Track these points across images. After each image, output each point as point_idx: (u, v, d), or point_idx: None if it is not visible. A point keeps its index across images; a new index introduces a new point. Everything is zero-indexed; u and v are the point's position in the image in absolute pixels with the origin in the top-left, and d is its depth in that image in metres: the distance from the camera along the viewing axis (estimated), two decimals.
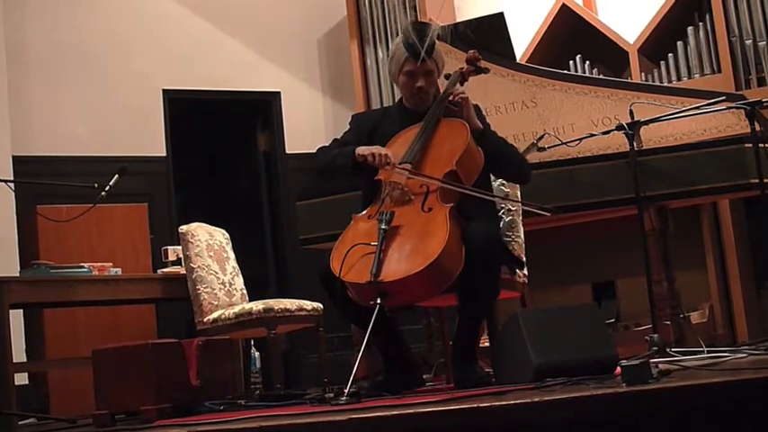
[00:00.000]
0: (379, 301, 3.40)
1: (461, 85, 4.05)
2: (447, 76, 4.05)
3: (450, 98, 3.91)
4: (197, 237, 5.14)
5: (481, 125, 3.91)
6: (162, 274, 5.62)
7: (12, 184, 5.70)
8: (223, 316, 4.91)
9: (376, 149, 3.78)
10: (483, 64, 4.13)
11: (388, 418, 2.67)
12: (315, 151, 4.06)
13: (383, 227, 3.55)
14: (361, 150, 3.80)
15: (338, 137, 4.16)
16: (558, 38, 7.20)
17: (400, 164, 3.76)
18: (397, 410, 2.71)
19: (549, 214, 3.74)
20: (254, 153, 8.34)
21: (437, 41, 3.95)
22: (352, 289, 3.56)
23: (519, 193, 4.32)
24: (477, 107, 4.05)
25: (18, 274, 5.58)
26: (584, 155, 5.59)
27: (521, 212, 4.28)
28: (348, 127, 4.16)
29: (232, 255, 5.33)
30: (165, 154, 7.58)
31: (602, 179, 5.13)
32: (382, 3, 7.77)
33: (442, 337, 4.69)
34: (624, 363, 2.77)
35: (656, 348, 4.14)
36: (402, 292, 3.46)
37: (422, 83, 3.92)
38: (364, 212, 3.80)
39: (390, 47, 4.33)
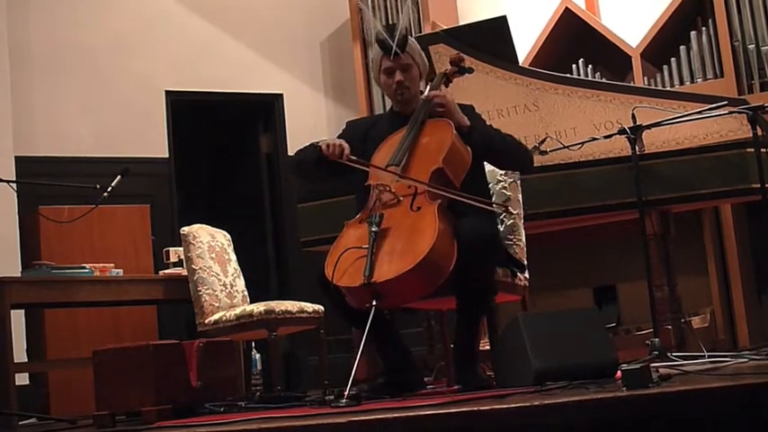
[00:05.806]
0: (374, 303, 3.40)
1: (446, 86, 4.09)
2: (432, 79, 4.06)
3: (431, 101, 3.94)
4: (198, 238, 5.14)
5: (468, 122, 3.91)
6: (163, 275, 5.62)
7: (14, 185, 5.70)
8: (224, 317, 4.91)
9: (331, 140, 3.85)
10: (467, 64, 4.17)
11: (387, 421, 2.66)
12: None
13: (373, 229, 3.56)
14: (320, 142, 3.86)
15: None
16: (561, 41, 7.20)
17: (387, 167, 3.78)
18: (397, 413, 2.71)
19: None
20: (256, 155, 8.34)
21: (412, 40, 4.00)
22: (347, 293, 3.56)
23: (520, 197, 4.32)
24: (471, 107, 4.07)
25: (20, 275, 5.58)
26: (586, 159, 5.58)
27: (522, 216, 4.29)
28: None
29: (233, 256, 5.33)
30: (167, 155, 7.58)
31: (604, 183, 5.13)
32: (385, 5, 7.77)
33: (442, 340, 4.69)
34: (625, 367, 2.77)
35: (656, 353, 4.14)
36: (396, 291, 3.47)
37: (400, 77, 3.93)
38: (356, 218, 3.82)
39: None
